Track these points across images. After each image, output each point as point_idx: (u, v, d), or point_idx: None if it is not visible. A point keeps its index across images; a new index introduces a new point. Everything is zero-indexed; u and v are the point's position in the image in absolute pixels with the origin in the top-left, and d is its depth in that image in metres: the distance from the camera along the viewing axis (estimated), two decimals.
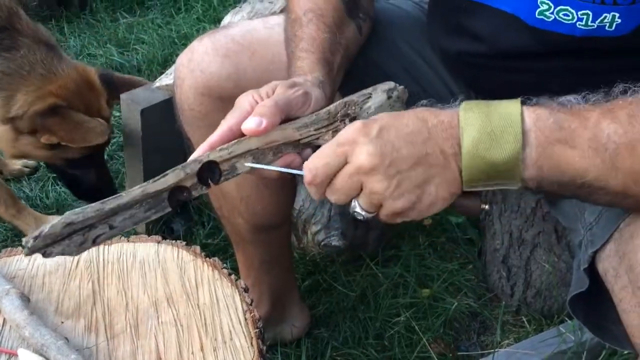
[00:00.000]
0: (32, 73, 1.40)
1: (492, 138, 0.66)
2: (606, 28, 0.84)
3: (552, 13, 0.86)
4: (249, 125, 0.72)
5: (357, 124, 0.69)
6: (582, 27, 0.85)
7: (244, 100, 0.76)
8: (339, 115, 0.77)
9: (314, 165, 0.69)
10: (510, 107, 0.67)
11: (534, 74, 0.93)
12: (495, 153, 0.66)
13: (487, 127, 0.66)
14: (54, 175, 1.88)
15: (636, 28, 0.84)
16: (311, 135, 0.76)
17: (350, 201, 0.70)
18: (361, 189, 0.68)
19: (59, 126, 1.41)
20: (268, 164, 0.74)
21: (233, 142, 0.73)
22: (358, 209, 0.70)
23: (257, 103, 0.75)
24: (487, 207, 0.74)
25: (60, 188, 1.85)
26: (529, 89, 0.96)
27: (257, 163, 0.74)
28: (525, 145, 0.66)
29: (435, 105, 0.71)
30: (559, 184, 0.67)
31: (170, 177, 0.71)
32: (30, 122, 1.40)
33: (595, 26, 0.84)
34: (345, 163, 0.68)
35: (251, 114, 0.73)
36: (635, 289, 0.70)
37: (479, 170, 0.67)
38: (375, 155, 0.66)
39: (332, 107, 0.78)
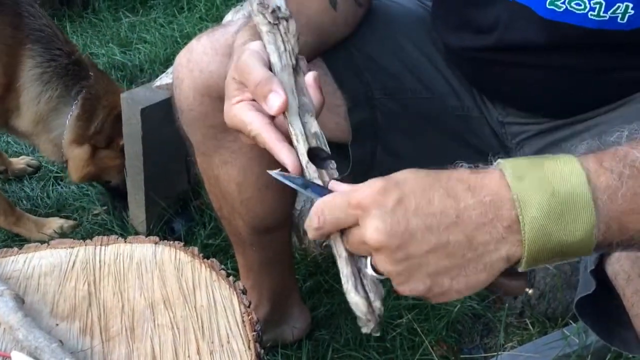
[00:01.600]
0: (102, 92, 1.62)
1: (561, 216, 0.55)
2: (618, 20, 0.82)
3: (563, 3, 0.84)
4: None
5: (377, 183, 0.59)
6: (594, 18, 0.83)
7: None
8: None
9: (322, 215, 0.61)
10: (571, 171, 0.56)
11: (542, 70, 0.91)
12: (568, 233, 0.55)
13: (552, 203, 0.55)
14: (55, 175, 1.88)
15: None
16: None
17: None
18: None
19: None
20: None
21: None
22: (369, 269, 0.61)
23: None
24: (530, 291, 0.63)
25: (62, 188, 1.84)
26: (536, 86, 0.94)
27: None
28: (597, 218, 0.55)
29: (476, 167, 0.60)
30: (622, 247, 0.59)
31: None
32: (108, 132, 1.62)
33: (607, 17, 0.83)
34: (357, 224, 0.59)
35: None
36: None
37: (547, 252, 0.56)
38: (384, 234, 0.57)
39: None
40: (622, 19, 0.82)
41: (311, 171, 0.67)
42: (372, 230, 0.57)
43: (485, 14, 0.92)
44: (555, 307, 1.42)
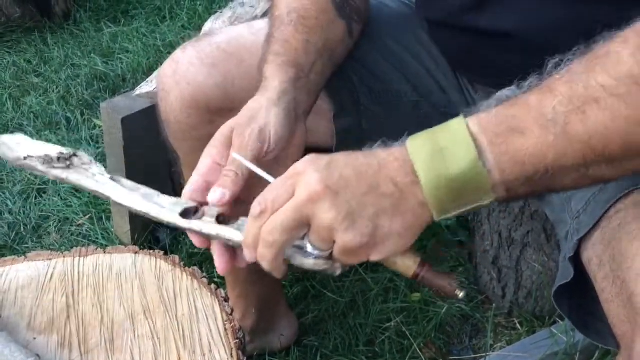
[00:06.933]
0: None
1: (443, 153, 0.62)
2: None
3: None
4: (214, 197, 0.73)
5: (309, 156, 0.66)
6: None
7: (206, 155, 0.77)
8: None
9: (263, 198, 0.65)
10: (452, 122, 0.65)
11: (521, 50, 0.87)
12: (453, 166, 0.62)
13: (436, 146, 0.63)
14: (38, 187, 1.86)
15: None
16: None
17: (303, 244, 0.66)
18: (310, 225, 0.64)
19: None
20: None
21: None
22: (309, 248, 0.65)
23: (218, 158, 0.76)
24: (462, 294, 0.66)
25: (44, 200, 1.82)
26: (517, 64, 0.90)
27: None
28: (480, 152, 0.62)
29: (389, 144, 0.68)
30: (526, 180, 0.63)
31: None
32: None
33: None
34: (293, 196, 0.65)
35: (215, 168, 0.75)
36: (615, 278, 0.69)
37: (444, 191, 0.62)
38: (321, 183, 0.63)
39: None
40: None
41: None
42: (311, 182, 0.63)
43: None
44: (543, 306, 1.42)
